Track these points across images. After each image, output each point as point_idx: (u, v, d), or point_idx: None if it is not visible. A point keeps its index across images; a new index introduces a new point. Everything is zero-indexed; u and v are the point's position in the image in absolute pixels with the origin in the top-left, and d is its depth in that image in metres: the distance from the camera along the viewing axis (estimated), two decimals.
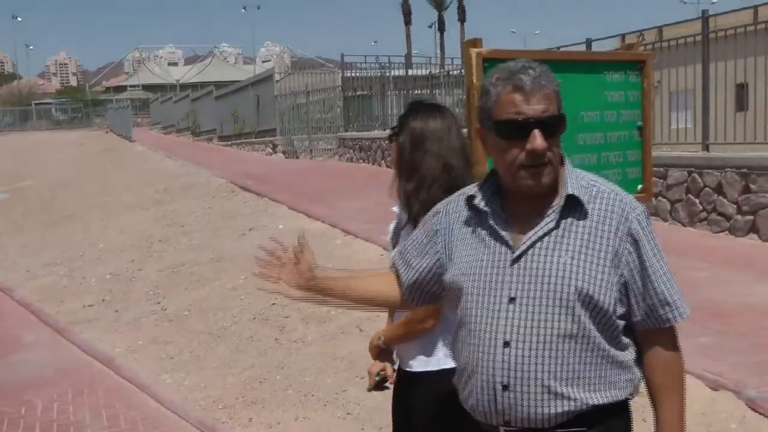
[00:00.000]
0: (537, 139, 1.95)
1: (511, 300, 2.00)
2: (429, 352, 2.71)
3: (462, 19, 57.38)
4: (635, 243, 2.01)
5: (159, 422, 5.55)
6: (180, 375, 6.33)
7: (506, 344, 1.99)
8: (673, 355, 2.08)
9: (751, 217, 9.00)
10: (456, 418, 2.27)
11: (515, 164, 1.99)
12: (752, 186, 8.99)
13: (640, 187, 4.91)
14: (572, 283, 1.95)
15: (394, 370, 2.98)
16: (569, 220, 2.02)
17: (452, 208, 2.22)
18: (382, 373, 3.02)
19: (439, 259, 2.23)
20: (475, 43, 4.26)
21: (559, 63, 4.68)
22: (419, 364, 2.73)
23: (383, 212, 11.26)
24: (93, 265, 10.86)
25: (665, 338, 2.07)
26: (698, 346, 5.56)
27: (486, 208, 2.09)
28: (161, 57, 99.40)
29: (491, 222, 2.07)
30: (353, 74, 21.30)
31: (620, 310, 2.01)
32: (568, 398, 1.98)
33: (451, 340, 2.32)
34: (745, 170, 9.08)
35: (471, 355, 2.06)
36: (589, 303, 1.96)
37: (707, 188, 9.56)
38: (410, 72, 20.44)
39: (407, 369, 2.78)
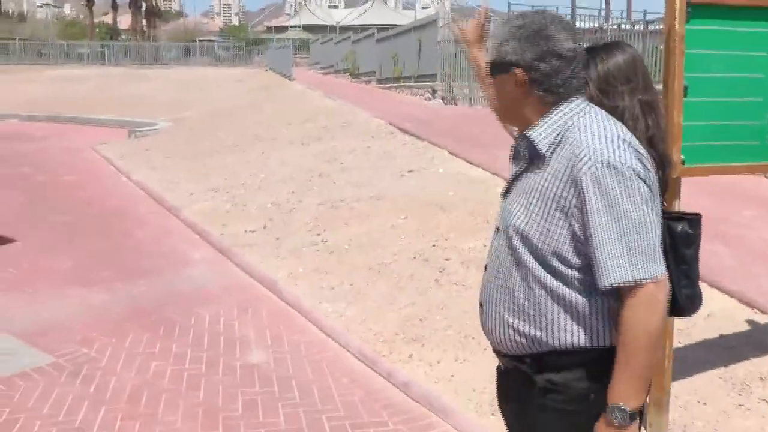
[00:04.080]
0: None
1: (497, 229, 2.28)
2: None
3: None
4: (579, 195, 2.00)
5: (321, 348, 5.62)
6: (341, 305, 6.37)
7: (485, 267, 2.29)
8: (627, 319, 1.98)
9: None
10: None
11: None
12: None
13: None
14: (513, 220, 2.14)
15: None
16: (534, 164, 2.15)
17: None
18: None
19: None
20: None
21: (763, 9, 4.32)
22: None
23: None
24: (254, 194, 11.10)
25: (623, 301, 1.99)
26: None
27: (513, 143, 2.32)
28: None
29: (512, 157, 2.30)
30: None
31: (575, 261, 2.04)
32: (509, 326, 2.16)
33: None
34: None
35: None
36: (525, 240, 2.10)
37: None
38: (579, 25, 19.77)
39: None
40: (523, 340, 2.14)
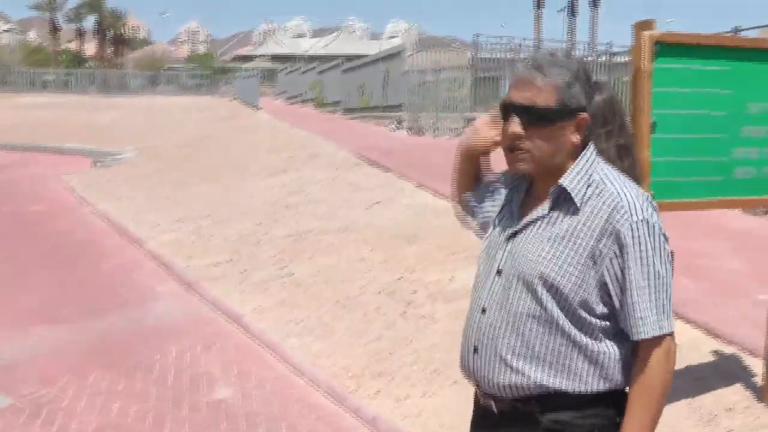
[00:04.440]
0: (510, 125, 2.09)
1: (498, 272, 2.17)
2: None
3: (595, 3, 56.03)
4: (620, 249, 2.02)
5: (288, 383, 5.58)
6: (308, 340, 6.33)
7: (483, 311, 2.17)
8: (649, 369, 2.05)
9: None
10: None
11: (503, 145, 2.17)
12: None
13: None
14: (539, 267, 2.06)
15: None
16: (560, 210, 2.10)
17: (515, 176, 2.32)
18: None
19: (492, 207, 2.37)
20: (647, 25, 4.06)
21: (727, 49, 4.42)
22: None
23: None
24: (220, 225, 11.05)
25: (645, 351, 2.06)
26: None
27: (513, 190, 2.27)
28: (289, 29, 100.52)
29: (514, 197, 2.25)
30: (483, 55, 21.09)
31: (600, 309, 2.06)
32: (519, 372, 2.10)
33: None
34: None
35: (468, 314, 2.28)
36: (552, 289, 2.05)
37: None
38: None
39: None
40: (531, 384, 2.10)
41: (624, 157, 2.45)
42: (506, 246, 2.16)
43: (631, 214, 2.01)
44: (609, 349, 2.08)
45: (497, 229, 2.25)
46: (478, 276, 2.25)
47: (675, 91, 4.08)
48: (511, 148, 2.10)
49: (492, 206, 2.36)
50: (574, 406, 2.10)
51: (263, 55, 79.65)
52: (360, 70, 28.29)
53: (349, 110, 28.43)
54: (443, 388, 5.27)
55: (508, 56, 21.43)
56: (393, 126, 22.40)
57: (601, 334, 2.08)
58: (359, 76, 27.91)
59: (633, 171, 2.50)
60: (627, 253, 2.01)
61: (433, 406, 5.07)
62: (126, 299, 7.77)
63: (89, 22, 74.10)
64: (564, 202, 2.09)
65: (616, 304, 2.05)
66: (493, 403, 2.21)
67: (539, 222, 2.12)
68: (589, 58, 19.81)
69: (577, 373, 2.08)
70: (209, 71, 64.30)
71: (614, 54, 17.69)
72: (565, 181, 2.08)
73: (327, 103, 32.54)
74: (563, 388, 2.08)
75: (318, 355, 6.02)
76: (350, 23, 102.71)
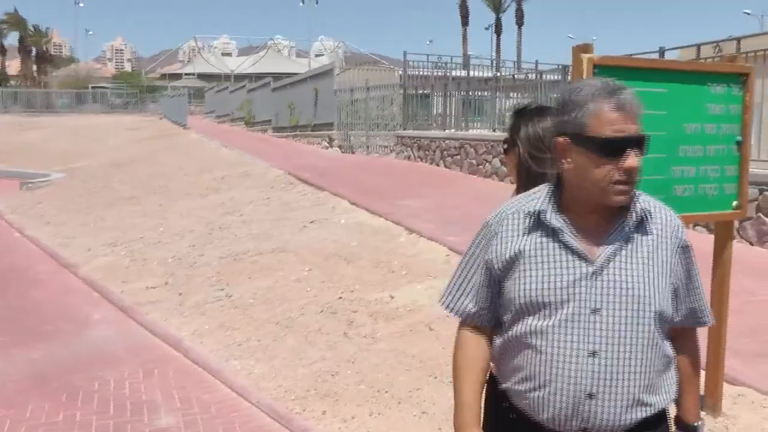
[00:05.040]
0: (634, 159, 2.06)
1: (595, 311, 2.07)
2: None
3: (520, 22, 57.07)
4: (684, 253, 2.19)
5: (232, 407, 5.53)
6: (249, 362, 6.30)
7: (593, 354, 2.06)
8: (697, 351, 2.33)
9: None
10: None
11: (607, 180, 2.06)
12: None
13: (735, 203, 4.79)
14: (651, 300, 2.08)
15: None
16: (638, 234, 2.13)
17: (510, 224, 2.21)
18: None
19: (490, 269, 2.24)
20: (586, 48, 4.18)
21: (664, 72, 4.58)
22: None
23: (446, 213, 11.34)
24: (153, 248, 10.92)
25: (695, 336, 2.32)
26: None
27: (557, 224, 2.13)
28: (216, 47, 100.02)
29: (566, 237, 2.12)
30: (413, 73, 21.30)
31: (673, 316, 2.19)
32: (648, 405, 2.11)
33: (498, 348, 2.27)
34: None
35: (544, 366, 2.10)
36: (662, 317, 2.11)
37: None
38: (471, 74, 20.32)
39: None
40: (651, 409, 2.13)
41: None
42: (593, 284, 2.07)
43: (679, 222, 2.22)
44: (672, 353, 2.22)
45: (554, 275, 2.11)
46: (554, 321, 2.09)
47: None
48: (628, 182, 2.07)
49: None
50: (663, 417, 2.22)
51: (191, 74, 79.00)
52: (290, 89, 28.31)
53: (279, 129, 28.40)
54: (390, 408, 5.30)
55: (437, 73, 21.69)
56: (324, 144, 22.46)
57: (670, 341, 2.21)
58: (289, 95, 27.92)
59: None
60: (688, 255, 2.20)
61: (380, 426, 5.08)
62: (61, 327, 7.61)
63: (12, 38, 72.56)
64: (638, 226, 2.13)
65: (678, 303, 2.20)
66: None
67: (624, 251, 2.10)
68: (519, 76, 20.16)
69: (671, 384, 2.20)
70: (136, 89, 63.52)
71: (542, 72, 18.02)
72: (643, 203, 2.16)
73: (257, 122, 32.47)
74: (669, 403, 2.20)
75: (261, 377, 5.99)
76: (277, 41, 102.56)
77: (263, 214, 12.51)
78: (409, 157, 19.28)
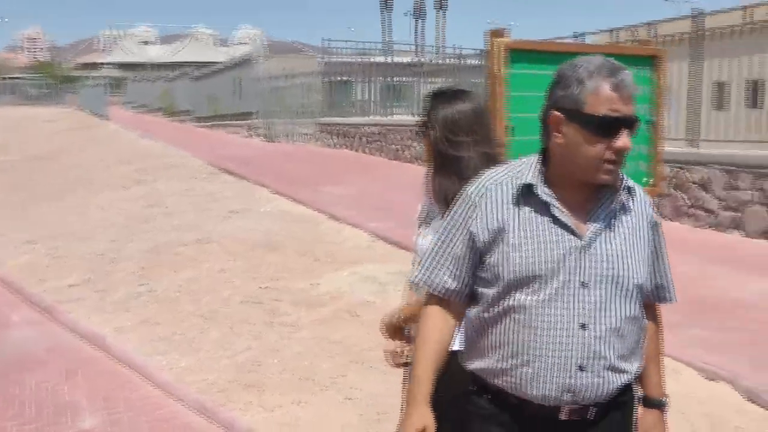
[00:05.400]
0: (626, 139, 2.07)
1: (584, 285, 2.10)
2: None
3: (440, 7, 57.26)
4: (655, 229, 2.27)
5: (157, 405, 5.52)
6: (174, 357, 6.29)
7: (582, 326, 2.09)
8: (659, 328, 2.40)
9: (735, 214, 9.13)
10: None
11: (597, 158, 2.08)
12: (736, 183, 9.11)
13: (650, 180, 4.98)
14: (635, 275, 2.15)
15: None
16: (622, 211, 2.19)
17: (493, 195, 2.19)
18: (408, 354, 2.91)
19: (473, 240, 2.20)
20: (500, 33, 4.29)
21: (576, 55, 4.71)
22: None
23: (369, 199, 11.39)
24: (73, 244, 10.72)
25: (658, 312, 2.39)
26: (692, 338, 5.65)
27: (548, 198, 2.13)
28: (134, 35, 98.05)
29: (556, 211, 2.12)
30: (334, 60, 21.31)
31: (649, 286, 2.28)
32: (626, 372, 2.17)
33: (476, 324, 2.24)
34: (731, 168, 9.21)
35: (531, 339, 2.11)
36: (642, 290, 2.19)
37: (693, 184, 9.68)
38: (393, 59, 20.42)
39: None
40: (630, 378, 2.21)
41: (490, 165, 2.52)
42: (581, 257, 2.10)
43: (648, 198, 2.29)
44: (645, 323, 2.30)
45: (544, 248, 2.11)
46: (542, 295, 2.10)
47: (530, 95, 4.31)
48: (617, 162, 2.09)
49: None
50: (630, 386, 2.28)
51: (110, 63, 77.46)
52: (211, 79, 28.03)
53: (200, 119, 28.10)
54: (315, 395, 5.36)
55: (359, 60, 21.72)
56: (245, 133, 22.31)
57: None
58: (210, 85, 27.66)
59: None
60: (658, 231, 2.29)
61: (307, 414, 5.13)
62: None
63: None
64: (621, 203, 2.19)
65: (651, 277, 2.29)
66: (593, 411, 2.16)
67: (611, 226, 2.15)
68: (439, 61, 20.32)
69: (642, 351, 2.27)
70: (54, 80, 61.94)
71: (464, 57, 18.20)
72: (629, 181, 2.22)
73: (177, 112, 32.06)
74: (641, 369, 2.27)
75: (186, 371, 5.98)
76: (197, 30, 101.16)
77: (186, 205, 12.40)
78: (330, 145, 19.33)
